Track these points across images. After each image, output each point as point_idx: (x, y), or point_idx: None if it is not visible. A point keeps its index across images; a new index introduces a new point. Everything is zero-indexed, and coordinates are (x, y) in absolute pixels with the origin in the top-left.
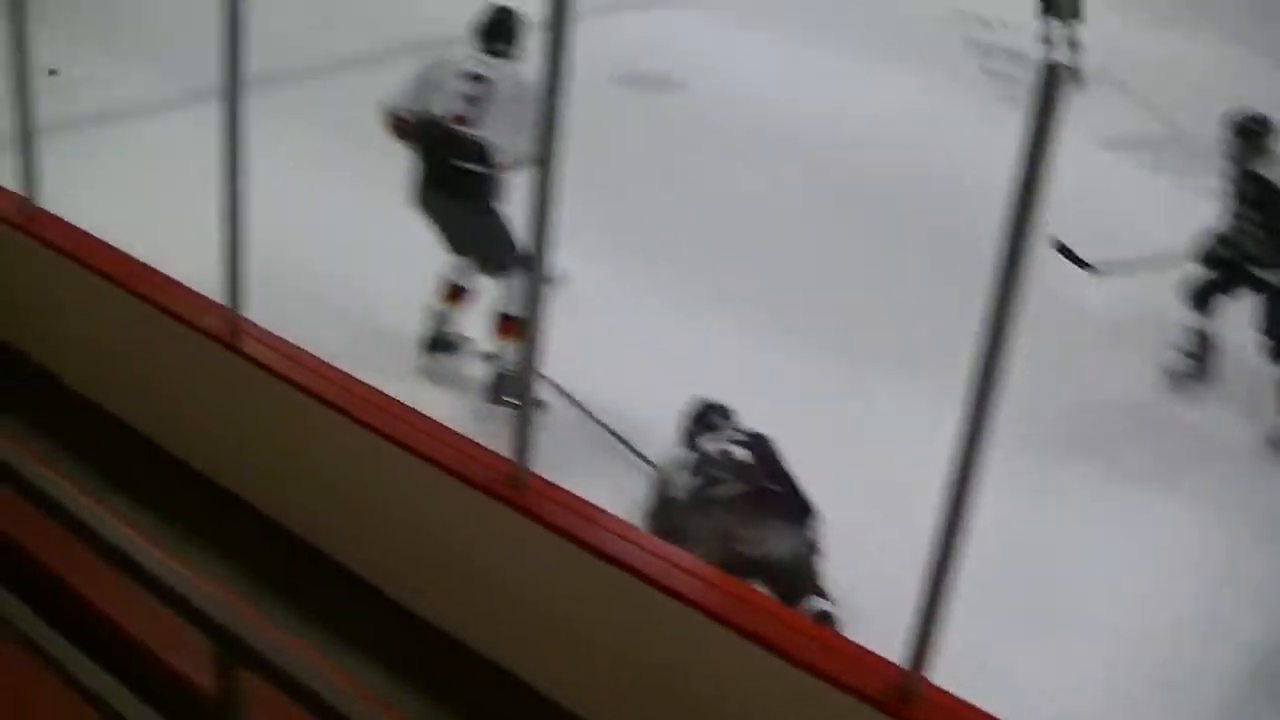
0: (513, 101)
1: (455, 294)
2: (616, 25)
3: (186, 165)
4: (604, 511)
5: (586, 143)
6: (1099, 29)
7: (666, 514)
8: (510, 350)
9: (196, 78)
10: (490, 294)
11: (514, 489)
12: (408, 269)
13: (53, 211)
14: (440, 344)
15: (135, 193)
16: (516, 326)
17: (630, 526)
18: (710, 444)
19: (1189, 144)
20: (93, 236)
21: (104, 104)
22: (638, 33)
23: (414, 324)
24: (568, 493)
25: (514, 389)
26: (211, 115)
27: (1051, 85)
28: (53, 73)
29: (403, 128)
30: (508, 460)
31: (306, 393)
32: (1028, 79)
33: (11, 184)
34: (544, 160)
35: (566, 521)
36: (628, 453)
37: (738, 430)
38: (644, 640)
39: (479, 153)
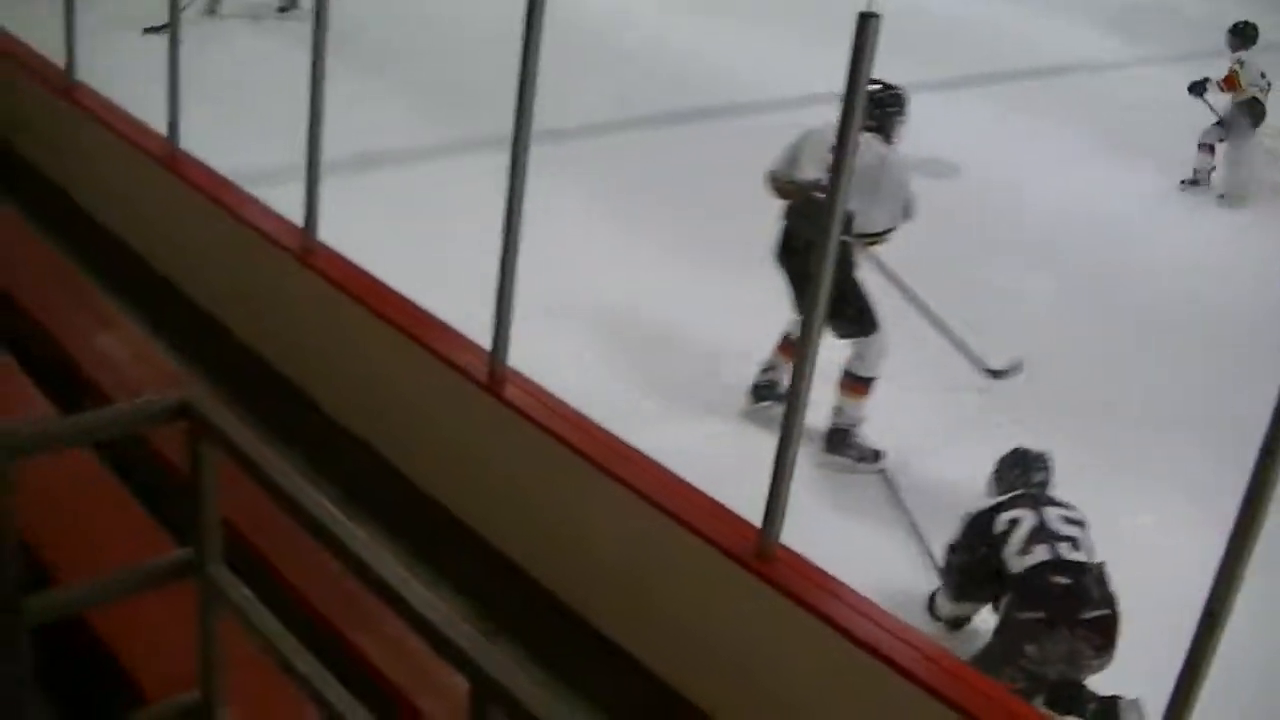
0: (873, 176)
1: (790, 351)
2: None
3: (467, 210)
4: (854, 592)
5: None
6: None
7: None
8: (852, 406)
9: (478, 126)
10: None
11: (761, 559)
12: (709, 319)
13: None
14: (766, 392)
15: (412, 235)
16: (862, 386)
17: (884, 613)
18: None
19: None
20: (365, 272)
21: (379, 146)
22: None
23: (719, 371)
24: (816, 568)
25: (849, 444)
26: (500, 162)
27: None
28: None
29: (784, 191)
30: (756, 528)
31: (559, 440)
32: None
33: (293, 216)
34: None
35: (811, 597)
36: (920, 548)
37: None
38: None
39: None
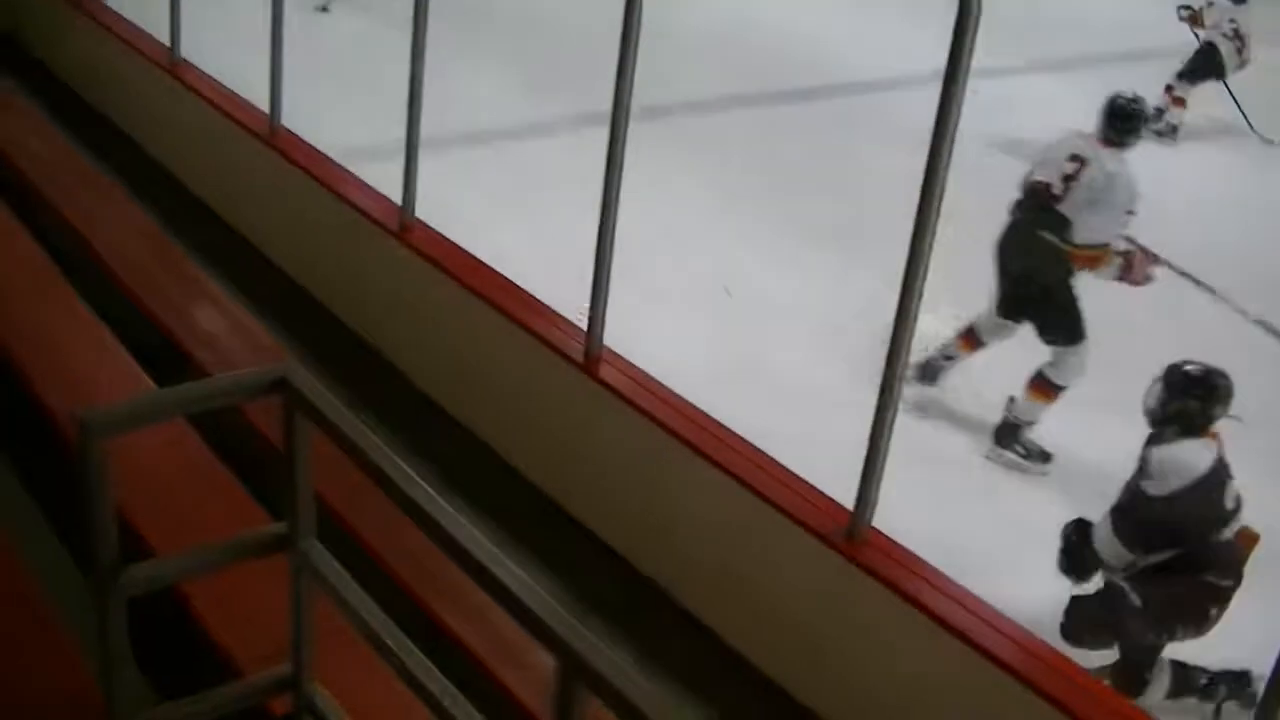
0: (1098, 189)
1: (971, 343)
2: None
3: (567, 187)
4: (946, 577)
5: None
6: None
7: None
8: (1031, 407)
9: (578, 102)
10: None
11: (851, 542)
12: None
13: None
14: (929, 372)
15: (512, 212)
16: (1051, 392)
17: (978, 599)
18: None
19: None
20: (462, 249)
21: (480, 123)
22: (1019, 96)
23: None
24: (908, 552)
25: (1018, 441)
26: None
27: None
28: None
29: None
30: (848, 511)
31: (654, 421)
32: None
33: (390, 193)
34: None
35: (902, 581)
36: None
37: None
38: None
39: (1061, 227)
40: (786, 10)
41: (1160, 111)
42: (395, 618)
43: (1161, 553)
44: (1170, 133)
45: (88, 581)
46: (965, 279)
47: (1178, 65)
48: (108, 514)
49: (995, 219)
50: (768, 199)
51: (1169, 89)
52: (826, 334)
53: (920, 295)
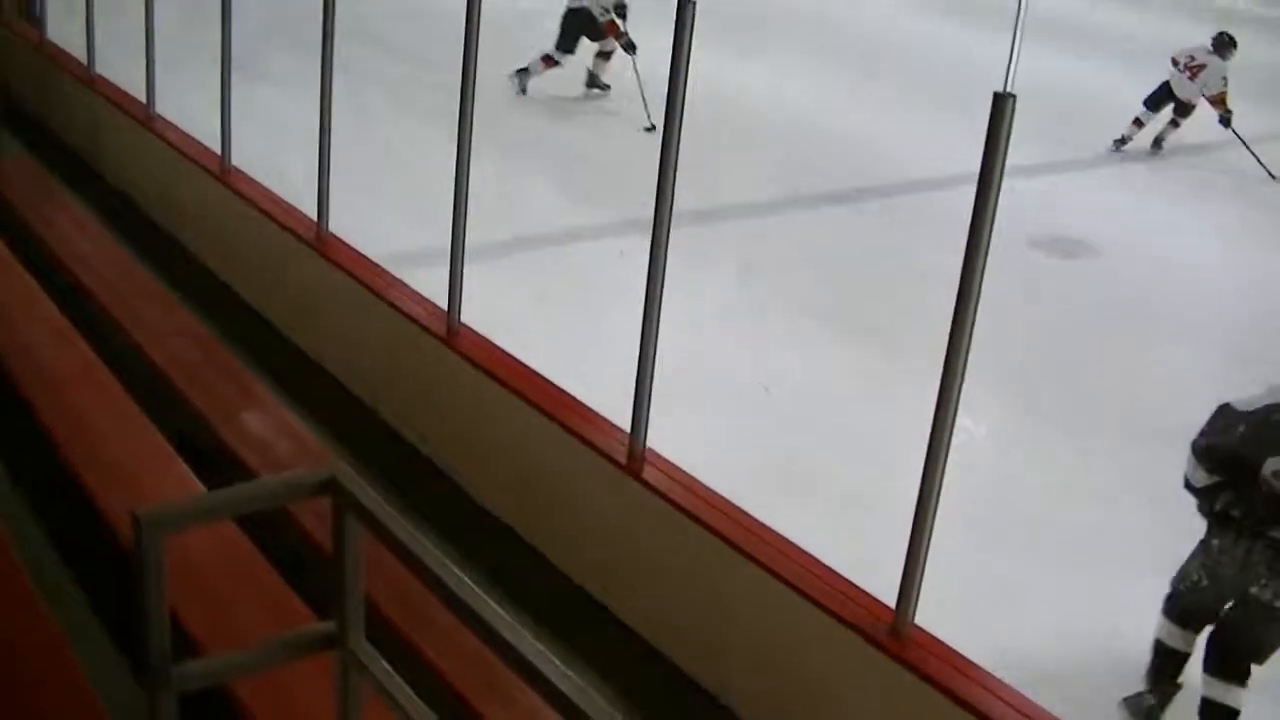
0: None
1: None
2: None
3: (612, 291)
4: (990, 675)
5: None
6: None
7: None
8: None
9: (625, 208)
10: None
11: (895, 639)
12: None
13: (473, 327)
14: None
15: (558, 317)
16: None
17: (1023, 697)
18: None
19: None
20: (508, 354)
21: (535, 228)
22: (1053, 192)
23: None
24: (950, 649)
25: None
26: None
27: None
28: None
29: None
30: (891, 609)
31: (698, 521)
32: None
33: (438, 298)
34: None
35: (945, 678)
36: None
37: None
38: None
39: None
40: (830, 107)
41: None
42: (446, 719)
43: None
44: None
45: (138, 679)
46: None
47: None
48: (162, 611)
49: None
50: (804, 300)
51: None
52: (861, 432)
53: (958, 399)
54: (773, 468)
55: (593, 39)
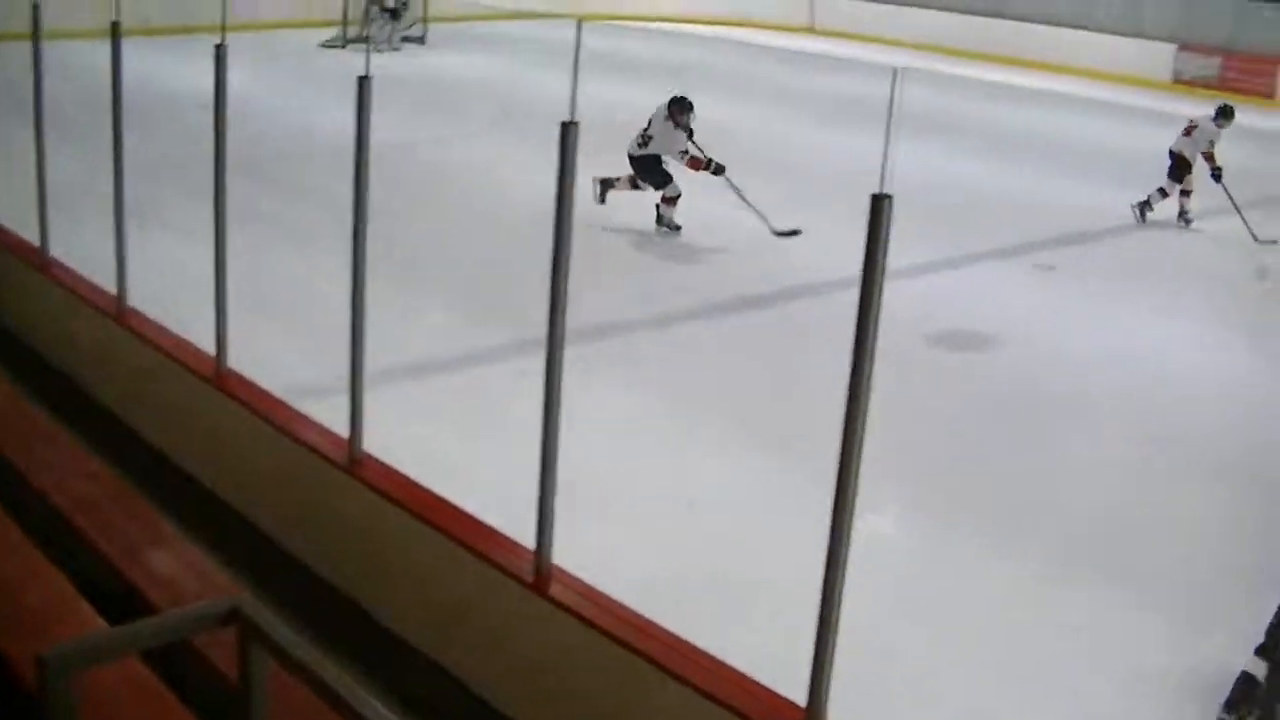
0: None
1: None
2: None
3: (512, 411)
4: None
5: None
6: None
7: None
8: None
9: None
10: None
11: None
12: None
13: (372, 454)
14: None
15: (459, 439)
16: None
17: None
18: None
19: None
20: (410, 480)
21: (425, 353)
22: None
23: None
24: None
25: None
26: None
27: None
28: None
29: None
30: (800, 709)
31: (609, 637)
32: None
33: (338, 427)
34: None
35: None
36: None
37: None
38: None
39: None
40: (722, 215)
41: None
42: None
43: None
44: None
45: None
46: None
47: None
48: None
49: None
50: (720, 408)
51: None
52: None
53: (854, 495)
54: (689, 578)
55: (657, 186)
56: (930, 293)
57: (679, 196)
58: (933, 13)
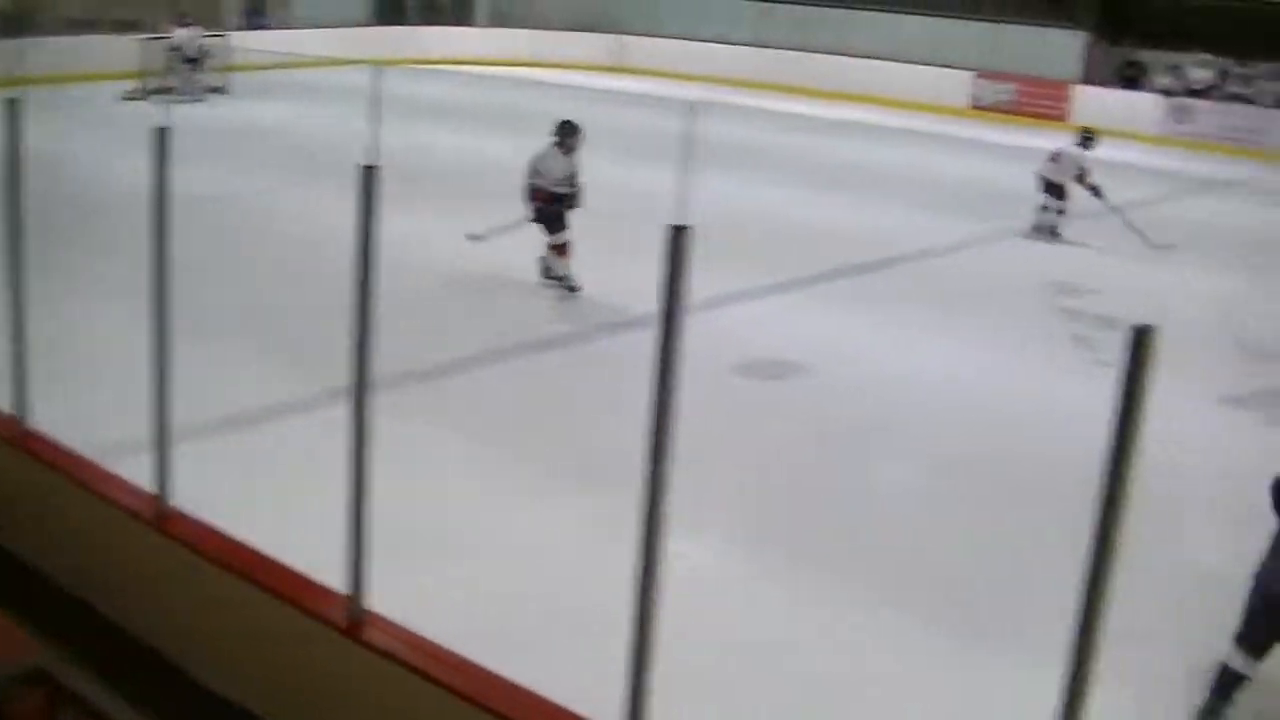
0: None
1: None
2: (730, 316)
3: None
4: None
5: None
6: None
7: None
8: None
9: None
10: None
11: None
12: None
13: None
14: None
15: (274, 490)
16: None
17: None
18: None
19: None
20: (220, 533)
21: (235, 406)
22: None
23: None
24: None
25: None
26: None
27: (1141, 347)
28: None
29: None
30: None
31: (427, 678)
32: (1117, 343)
33: (145, 483)
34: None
35: None
36: None
37: None
38: None
39: None
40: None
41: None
42: None
43: None
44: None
45: None
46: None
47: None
48: None
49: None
50: (530, 448)
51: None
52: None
53: (662, 529)
54: (511, 617)
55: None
56: (737, 323)
57: (567, 245)
58: (736, 48)
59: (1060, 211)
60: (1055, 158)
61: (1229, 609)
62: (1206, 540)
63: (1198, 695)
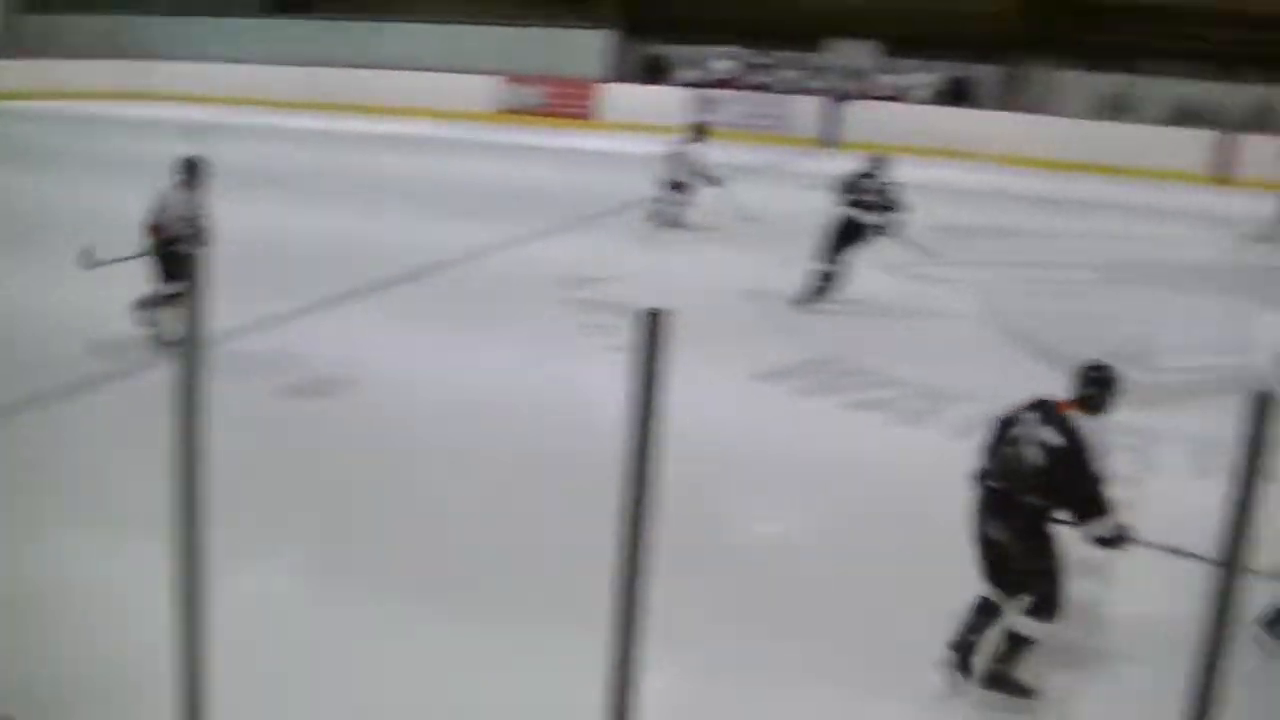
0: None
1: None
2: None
3: None
4: None
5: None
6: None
7: None
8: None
9: None
10: None
11: None
12: None
13: None
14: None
15: None
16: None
17: None
18: None
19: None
20: None
21: None
22: (299, 340)
23: None
24: None
25: None
26: None
27: (653, 329)
28: None
29: None
30: None
31: None
32: (629, 327)
33: None
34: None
35: None
36: None
37: None
38: None
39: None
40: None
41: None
42: None
43: None
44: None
45: None
46: None
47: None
48: None
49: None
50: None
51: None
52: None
53: (203, 564)
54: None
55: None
56: (281, 345)
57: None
58: (252, 66)
59: (681, 204)
60: (672, 155)
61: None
62: (731, 501)
63: None
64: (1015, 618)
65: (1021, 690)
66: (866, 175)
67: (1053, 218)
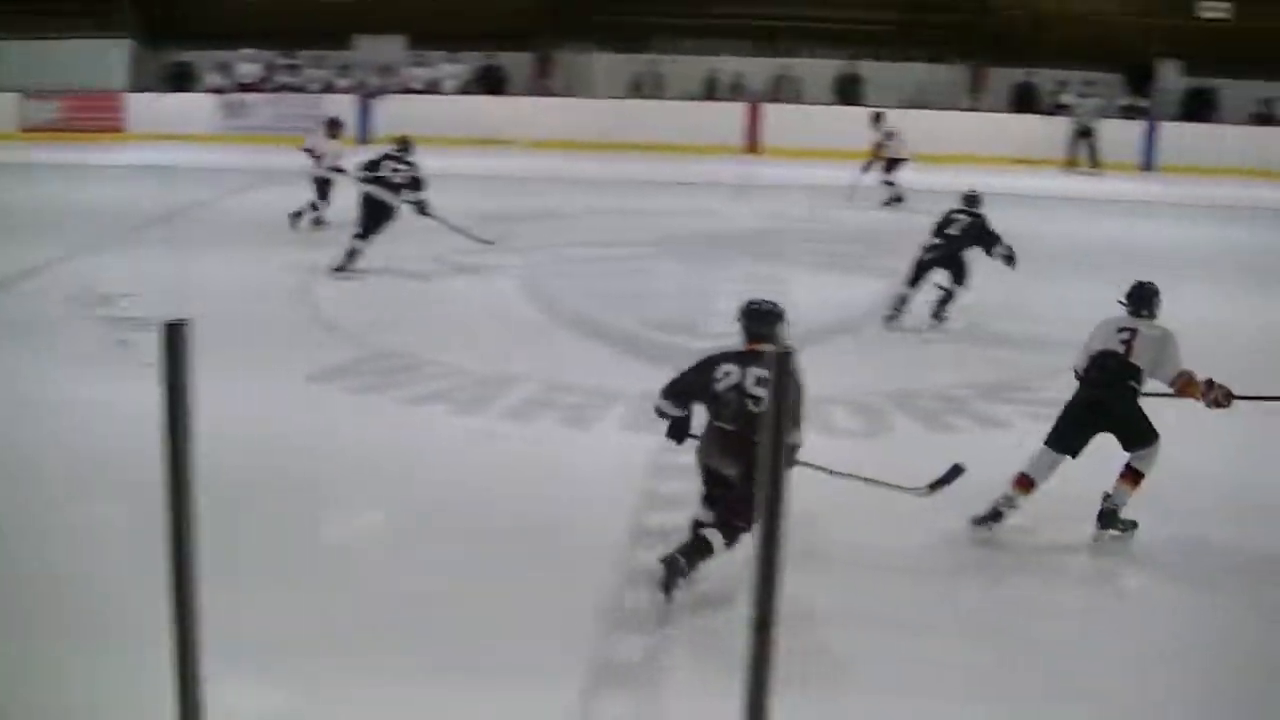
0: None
1: (1027, 484)
2: None
3: None
4: None
5: None
6: None
7: None
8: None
9: None
10: None
11: None
12: None
13: None
14: (994, 516)
15: None
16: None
17: None
18: None
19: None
20: None
21: None
22: None
23: None
24: None
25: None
26: None
27: (175, 341)
28: None
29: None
30: None
31: None
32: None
33: None
34: None
35: None
36: None
37: None
38: None
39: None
40: None
41: None
42: None
43: None
44: None
45: None
46: None
47: None
48: None
49: None
50: None
51: None
52: None
53: None
54: None
55: None
56: None
57: None
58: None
59: (318, 206)
60: (312, 153)
61: None
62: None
63: None
64: (710, 530)
65: (674, 577)
66: (389, 157)
67: (597, 198)
